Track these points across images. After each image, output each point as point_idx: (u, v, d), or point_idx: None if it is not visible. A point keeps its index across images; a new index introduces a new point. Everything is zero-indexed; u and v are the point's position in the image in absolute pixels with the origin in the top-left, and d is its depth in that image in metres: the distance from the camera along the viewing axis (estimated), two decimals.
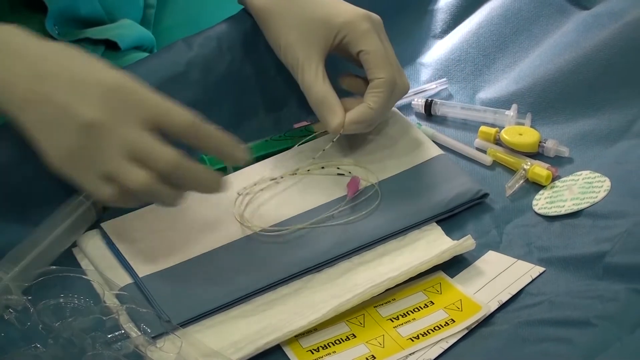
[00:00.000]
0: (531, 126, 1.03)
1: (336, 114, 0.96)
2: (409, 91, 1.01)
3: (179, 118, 0.84)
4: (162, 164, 0.83)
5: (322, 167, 0.99)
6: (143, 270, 0.88)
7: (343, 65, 1.01)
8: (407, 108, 1.08)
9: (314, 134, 1.03)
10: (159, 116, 0.84)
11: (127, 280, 0.88)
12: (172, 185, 0.84)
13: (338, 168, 0.99)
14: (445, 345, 0.82)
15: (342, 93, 0.99)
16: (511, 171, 1.00)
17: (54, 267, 0.87)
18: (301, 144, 1.01)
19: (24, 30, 0.87)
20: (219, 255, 0.90)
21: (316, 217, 0.93)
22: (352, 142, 1.01)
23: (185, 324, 0.84)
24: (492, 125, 1.04)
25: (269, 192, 0.97)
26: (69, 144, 0.83)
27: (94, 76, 0.84)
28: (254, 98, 1.05)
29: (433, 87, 1.10)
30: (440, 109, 1.07)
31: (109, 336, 0.81)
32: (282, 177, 0.98)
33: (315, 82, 0.97)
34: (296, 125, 1.05)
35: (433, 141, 1.03)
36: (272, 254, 0.90)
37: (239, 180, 0.96)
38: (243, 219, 0.94)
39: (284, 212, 0.95)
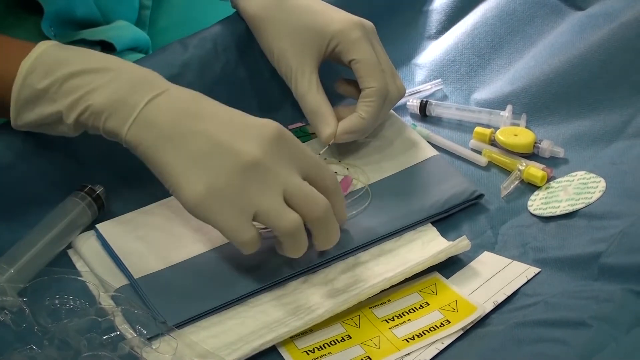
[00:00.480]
0: (526, 127, 1.03)
1: (328, 124, 0.96)
2: None
3: (329, 175, 0.86)
4: (321, 210, 0.84)
5: None
6: (138, 271, 0.88)
7: (339, 70, 1.01)
8: (402, 109, 1.08)
9: (309, 135, 1.03)
10: (314, 169, 0.85)
11: (122, 281, 0.88)
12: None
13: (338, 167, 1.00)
14: (441, 346, 0.82)
15: (337, 98, 0.99)
16: (506, 172, 1.00)
17: (50, 268, 0.87)
18: None
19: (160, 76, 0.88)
20: (214, 257, 0.90)
21: None
22: (348, 143, 1.01)
23: (180, 325, 0.84)
24: (487, 126, 1.04)
25: None
26: (223, 182, 0.82)
27: (255, 121, 0.85)
28: (250, 99, 1.05)
29: (428, 88, 1.10)
30: (435, 110, 1.07)
31: (105, 337, 0.81)
32: None
33: (308, 91, 0.97)
34: (291, 127, 1.05)
35: (428, 142, 1.03)
36: (267, 255, 0.90)
37: None
38: None
39: None
